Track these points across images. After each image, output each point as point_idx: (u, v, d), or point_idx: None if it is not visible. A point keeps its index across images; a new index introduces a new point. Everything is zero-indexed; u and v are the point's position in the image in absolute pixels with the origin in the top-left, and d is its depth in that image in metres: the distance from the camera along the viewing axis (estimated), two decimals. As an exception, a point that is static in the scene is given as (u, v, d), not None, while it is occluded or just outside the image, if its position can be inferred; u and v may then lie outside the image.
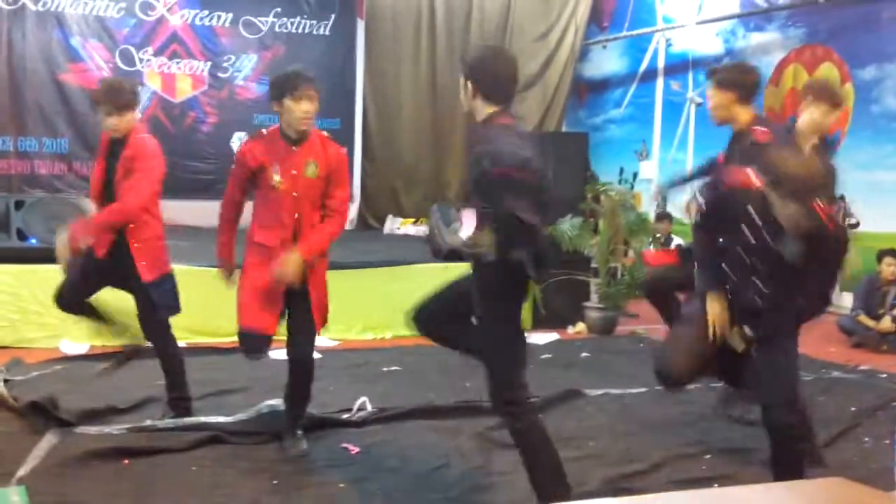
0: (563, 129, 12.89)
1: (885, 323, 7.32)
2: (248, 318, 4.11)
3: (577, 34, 12.76)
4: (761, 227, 3.50)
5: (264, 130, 4.16)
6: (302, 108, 4.00)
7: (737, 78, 4.16)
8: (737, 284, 3.66)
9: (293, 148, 4.08)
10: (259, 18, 11.12)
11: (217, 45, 10.99)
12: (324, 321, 4.31)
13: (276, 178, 4.03)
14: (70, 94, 10.32)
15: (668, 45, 11.84)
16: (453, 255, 7.87)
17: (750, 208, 3.49)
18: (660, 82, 12.00)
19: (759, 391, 3.72)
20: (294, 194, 4.06)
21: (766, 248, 3.52)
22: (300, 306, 4.17)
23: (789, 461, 3.62)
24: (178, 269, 4.69)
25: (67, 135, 10.34)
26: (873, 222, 8.88)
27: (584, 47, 12.99)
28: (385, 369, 6.06)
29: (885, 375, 6.31)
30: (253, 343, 4.17)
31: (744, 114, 4.12)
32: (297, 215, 4.07)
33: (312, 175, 4.07)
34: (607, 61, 12.98)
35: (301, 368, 4.22)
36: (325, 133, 4.21)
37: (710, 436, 4.75)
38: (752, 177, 3.41)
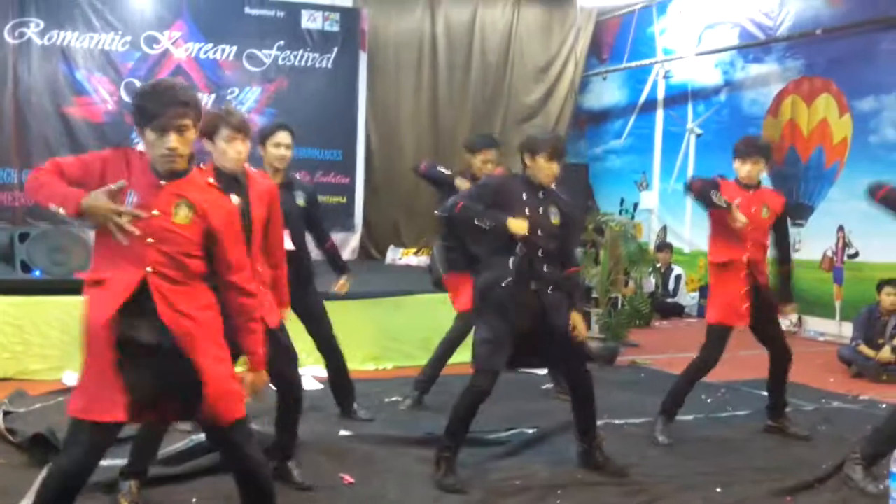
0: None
1: (885, 353, 7.30)
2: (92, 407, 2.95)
3: (578, 66, 12.91)
4: None
5: (140, 149, 3.06)
6: (167, 144, 2.93)
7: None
8: None
9: (161, 182, 2.97)
10: (263, 52, 11.24)
11: (221, 78, 11.10)
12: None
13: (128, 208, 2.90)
14: (75, 127, 10.43)
15: (668, 77, 11.95)
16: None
17: None
18: (660, 113, 12.10)
19: None
20: (148, 241, 2.91)
21: None
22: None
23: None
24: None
25: (72, 167, 10.43)
26: (873, 252, 8.94)
27: (584, 79, 13.13)
28: (386, 400, 6.06)
29: (885, 405, 6.30)
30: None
31: None
32: (147, 270, 2.91)
33: (184, 220, 2.95)
34: (607, 92, 13.10)
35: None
36: (211, 180, 3.11)
37: (715, 466, 4.74)
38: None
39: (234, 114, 4.08)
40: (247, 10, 11.17)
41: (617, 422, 5.60)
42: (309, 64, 11.46)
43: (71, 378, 6.35)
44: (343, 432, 5.15)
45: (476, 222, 4.33)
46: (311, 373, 6.55)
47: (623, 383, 6.89)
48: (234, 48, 11.09)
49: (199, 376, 2.93)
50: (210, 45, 10.99)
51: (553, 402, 6.08)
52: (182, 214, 2.95)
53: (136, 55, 10.68)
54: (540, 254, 4.37)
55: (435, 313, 6.78)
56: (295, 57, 11.39)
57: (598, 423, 5.46)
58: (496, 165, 5.87)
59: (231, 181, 3.92)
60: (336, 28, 11.55)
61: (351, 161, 11.69)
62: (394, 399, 6.07)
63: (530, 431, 5.18)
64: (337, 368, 5.45)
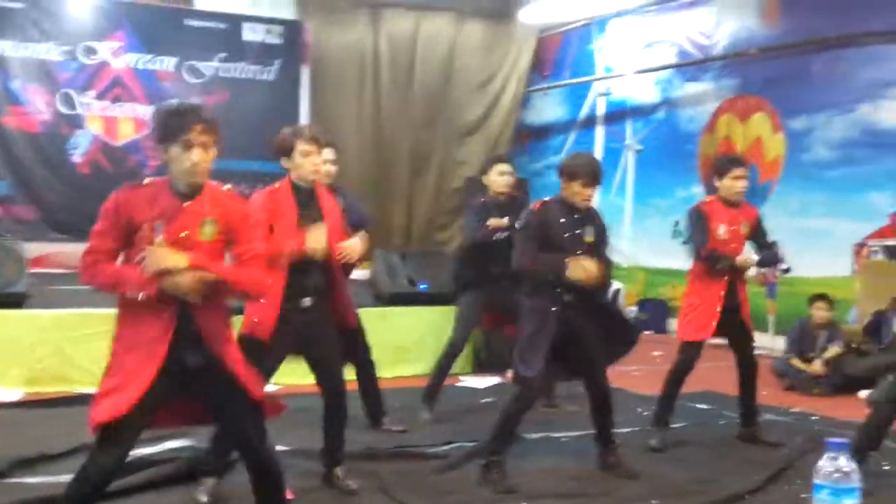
0: (506, 174, 13.05)
1: (817, 366, 7.45)
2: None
3: (520, 82, 13.01)
4: None
5: (146, 180, 3.24)
6: (192, 159, 3.11)
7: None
8: None
9: (182, 204, 3.17)
10: (203, 63, 11.15)
11: (160, 90, 10.95)
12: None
13: (159, 240, 3.09)
14: (9, 138, 10.22)
15: (607, 94, 12.11)
16: (396, 300, 7.93)
17: None
18: (599, 129, 12.25)
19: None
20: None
21: None
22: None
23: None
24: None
25: (6, 178, 10.23)
26: (805, 268, 9.09)
27: (526, 94, 13.23)
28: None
29: (816, 418, 6.44)
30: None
31: None
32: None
33: (209, 236, 3.18)
34: (549, 108, 13.23)
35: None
36: (226, 187, 3.33)
37: (651, 478, 4.78)
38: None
39: (309, 127, 4.35)
40: (187, 21, 11.08)
41: (555, 435, 5.64)
42: (250, 76, 11.40)
43: (1, 393, 6.21)
44: (280, 447, 5.10)
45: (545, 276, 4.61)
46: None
47: (562, 397, 6.93)
48: (174, 59, 10.98)
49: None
50: (149, 57, 10.87)
51: (491, 415, 6.08)
52: (207, 231, 3.18)
53: (73, 65, 10.51)
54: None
55: (375, 327, 6.74)
56: (236, 69, 11.31)
57: (537, 436, 5.53)
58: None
59: (310, 194, 4.39)
60: (278, 41, 11.51)
61: (292, 174, 11.63)
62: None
63: (469, 445, 5.19)
64: (367, 378, 5.71)
